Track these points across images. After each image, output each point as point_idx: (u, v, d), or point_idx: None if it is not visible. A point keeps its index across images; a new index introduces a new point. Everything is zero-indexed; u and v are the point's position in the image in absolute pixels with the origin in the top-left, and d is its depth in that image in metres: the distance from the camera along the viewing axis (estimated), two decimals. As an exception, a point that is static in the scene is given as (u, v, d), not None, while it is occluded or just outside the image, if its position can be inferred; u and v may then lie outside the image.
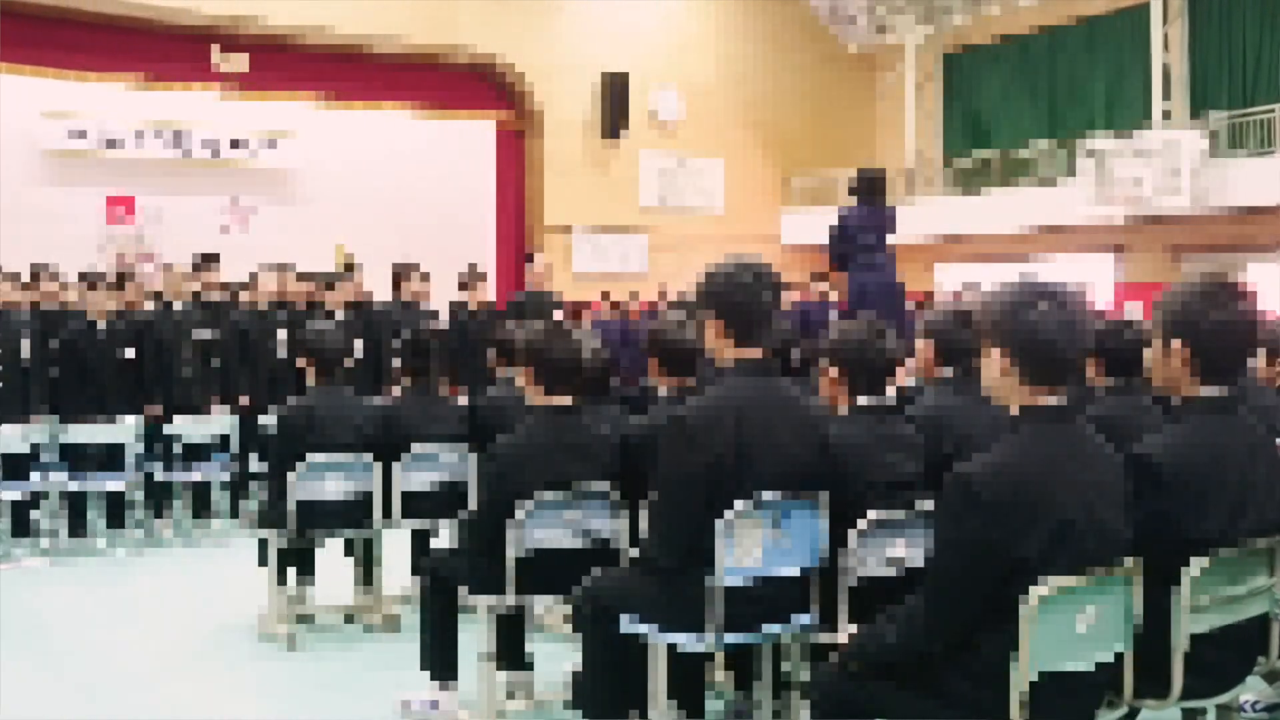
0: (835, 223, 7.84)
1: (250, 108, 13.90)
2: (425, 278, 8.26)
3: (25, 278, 7.87)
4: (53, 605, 5.54)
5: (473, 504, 4.56)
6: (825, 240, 7.95)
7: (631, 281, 14.56)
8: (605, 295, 13.17)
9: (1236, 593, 2.49)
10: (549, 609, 4.68)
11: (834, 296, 10.21)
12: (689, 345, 3.71)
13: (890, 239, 7.92)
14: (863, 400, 3.17)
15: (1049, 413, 2.28)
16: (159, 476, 7.13)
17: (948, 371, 3.49)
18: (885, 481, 3.06)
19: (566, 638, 4.41)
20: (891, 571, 2.97)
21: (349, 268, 9.09)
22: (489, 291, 9.75)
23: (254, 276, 8.33)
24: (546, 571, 3.47)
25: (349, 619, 5.11)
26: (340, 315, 7.83)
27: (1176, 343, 2.50)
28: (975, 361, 3.09)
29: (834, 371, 3.22)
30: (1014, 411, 2.31)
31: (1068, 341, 2.25)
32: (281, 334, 7.71)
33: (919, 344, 3.64)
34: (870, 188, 7.82)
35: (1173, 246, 14.10)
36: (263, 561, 5.01)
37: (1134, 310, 6.50)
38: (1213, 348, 2.49)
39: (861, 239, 7.69)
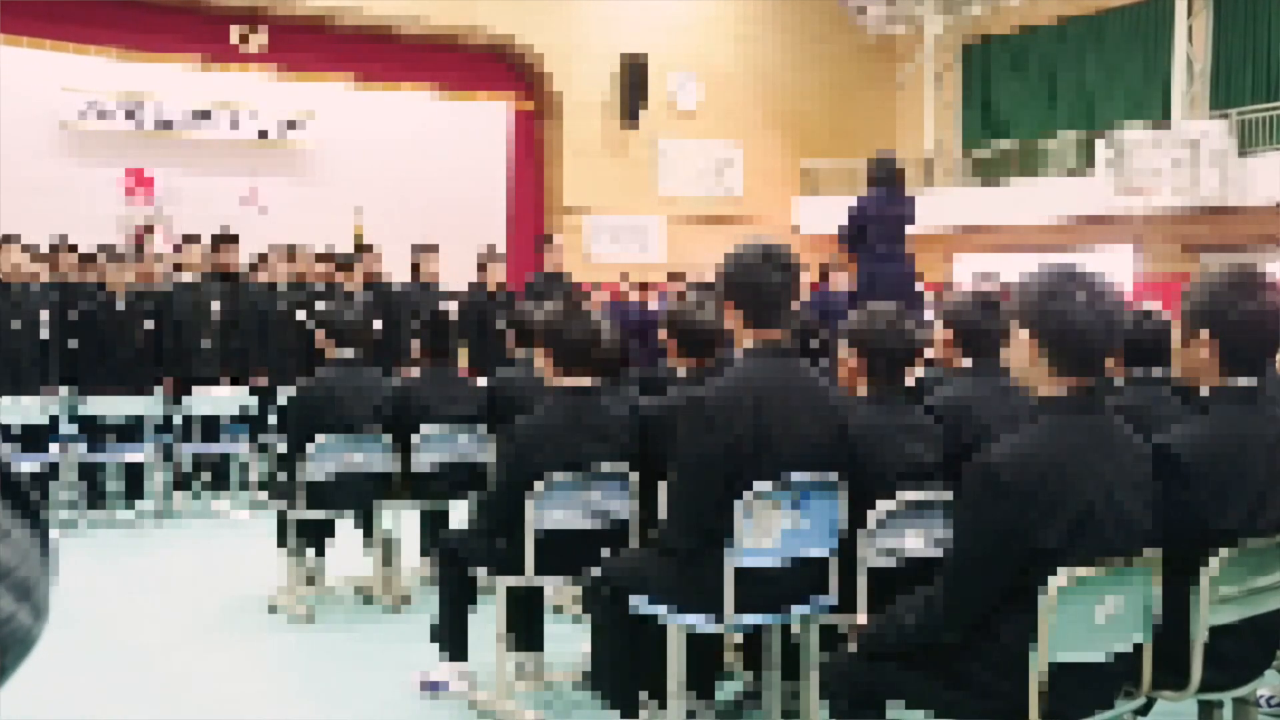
0: (852, 209, 7.78)
1: (271, 88, 13.93)
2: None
3: (44, 250, 7.91)
4: (68, 577, 5.56)
5: (489, 484, 4.57)
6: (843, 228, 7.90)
7: (647, 266, 14.53)
8: (624, 276, 13.18)
9: (1257, 585, 2.48)
10: (558, 590, 4.68)
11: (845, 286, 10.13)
12: (707, 326, 3.71)
13: (908, 229, 7.86)
14: (881, 387, 3.16)
15: (1074, 402, 2.26)
16: (176, 450, 7.17)
17: (970, 360, 3.46)
18: (903, 468, 3.05)
19: (576, 619, 4.42)
20: (907, 558, 2.97)
21: (363, 248, 9.11)
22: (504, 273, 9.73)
23: (263, 257, 8.34)
24: (562, 552, 3.47)
25: (365, 598, 5.13)
26: (358, 295, 7.84)
27: (1202, 333, 2.49)
28: (997, 349, 3.08)
29: (853, 357, 3.20)
30: (1039, 395, 2.30)
31: (1100, 331, 2.24)
32: (299, 314, 7.73)
33: (938, 331, 3.61)
34: (889, 176, 7.77)
35: (1192, 241, 13.99)
36: (280, 537, 5.03)
37: (1153, 304, 6.41)
38: (1239, 339, 2.47)
39: (878, 227, 7.63)
